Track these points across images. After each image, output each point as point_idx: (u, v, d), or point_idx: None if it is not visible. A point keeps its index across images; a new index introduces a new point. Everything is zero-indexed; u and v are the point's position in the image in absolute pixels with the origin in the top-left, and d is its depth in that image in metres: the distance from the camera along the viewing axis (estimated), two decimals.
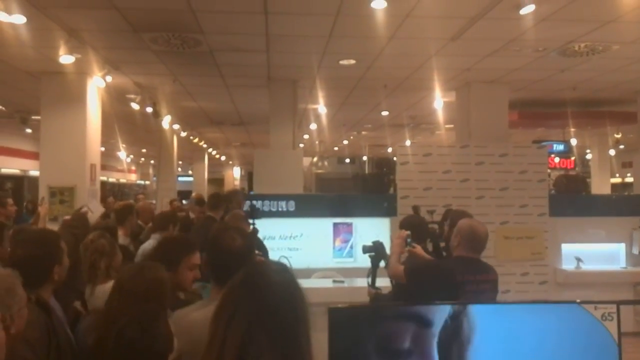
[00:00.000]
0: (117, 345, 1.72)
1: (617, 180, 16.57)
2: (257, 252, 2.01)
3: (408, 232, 3.53)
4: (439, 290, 2.90)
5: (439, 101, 8.13)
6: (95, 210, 4.35)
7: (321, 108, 9.29)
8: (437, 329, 1.78)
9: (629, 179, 15.75)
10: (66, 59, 5.60)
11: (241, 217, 4.84)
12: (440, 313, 1.82)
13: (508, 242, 6.48)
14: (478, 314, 1.90)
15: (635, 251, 6.73)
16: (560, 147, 10.25)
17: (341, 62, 6.56)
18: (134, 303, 2.01)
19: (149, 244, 4.26)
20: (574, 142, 11.35)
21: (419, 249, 3.47)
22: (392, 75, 7.28)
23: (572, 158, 11.24)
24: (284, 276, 1.28)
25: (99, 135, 7.79)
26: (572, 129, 10.92)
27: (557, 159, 10.70)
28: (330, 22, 5.08)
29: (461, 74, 7.07)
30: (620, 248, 6.88)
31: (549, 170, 7.78)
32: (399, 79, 7.45)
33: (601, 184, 13.58)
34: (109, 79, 6.86)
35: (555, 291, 6.51)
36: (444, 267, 3.12)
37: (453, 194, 6.42)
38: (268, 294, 1.22)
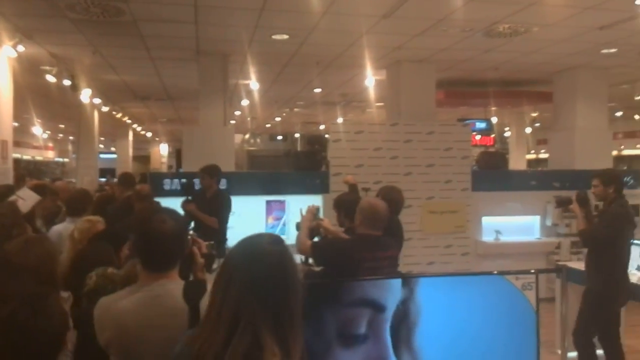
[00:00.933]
0: (9, 329, 1.60)
1: (532, 156, 17.72)
2: (191, 232, 1.92)
3: (317, 206, 3.67)
4: (339, 267, 3.05)
5: (371, 79, 8.22)
6: (27, 198, 3.97)
7: (253, 84, 9.11)
8: (389, 313, 1.86)
9: (543, 155, 16.89)
10: None
11: (144, 195, 4.62)
12: (393, 298, 1.89)
13: (433, 216, 6.76)
14: (421, 288, 1.98)
15: (548, 223, 7.25)
16: (482, 125, 10.74)
17: (274, 36, 6.43)
18: (24, 279, 1.91)
19: (64, 227, 3.95)
20: (494, 120, 11.94)
21: (326, 222, 3.61)
22: (324, 52, 7.26)
23: (492, 135, 11.82)
24: (277, 247, 1.38)
25: (10, 109, 7.17)
26: (493, 108, 11.48)
27: (478, 137, 11.21)
28: None
29: (392, 53, 7.17)
30: (535, 220, 7.38)
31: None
32: (332, 56, 7.44)
33: (518, 160, 14.46)
34: (20, 48, 6.32)
35: (476, 262, 6.90)
36: (344, 245, 3.28)
37: (383, 170, 6.57)
38: (261, 263, 1.33)
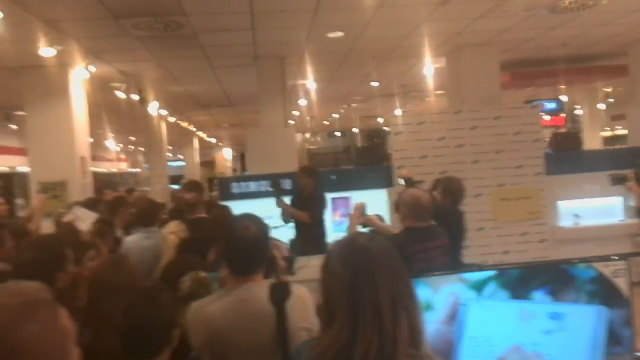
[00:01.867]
0: (129, 316, 1.79)
1: (608, 133, 16.67)
2: (272, 237, 1.98)
3: (364, 203, 3.61)
4: None
5: (430, 68, 8.05)
6: (85, 217, 4.10)
7: (310, 83, 9.17)
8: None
9: (620, 132, 15.84)
10: (47, 51, 5.45)
11: (192, 205, 4.65)
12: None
13: (506, 204, 6.52)
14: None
15: (632, 204, 6.77)
16: (553, 106, 10.22)
17: (329, 35, 6.43)
18: (117, 296, 2.03)
19: (139, 238, 4.04)
20: (564, 99, 11.33)
21: (374, 218, 3.58)
22: (381, 46, 7.17)
23: (562, 115, 11.23)
24: (377, 242, 1.39)
25: (86, 127, 7.66)
26: (562, 87, 10.90)
27: (547, 117, 10.69)
28: None
29: (451, 39, 6.98)
30: (617, 202, 6.93)
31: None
32: (388, 48, 7.34)
33: (593, 139, 13.64)
34: (92, 69, 6.71)
35: (555, 249, 6.58)
36: (395, 240, 3.19)
37: (449, 160, 6.41)
38: (389, 252, 1.36)
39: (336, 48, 7.11)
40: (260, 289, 1.85)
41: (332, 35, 6.42)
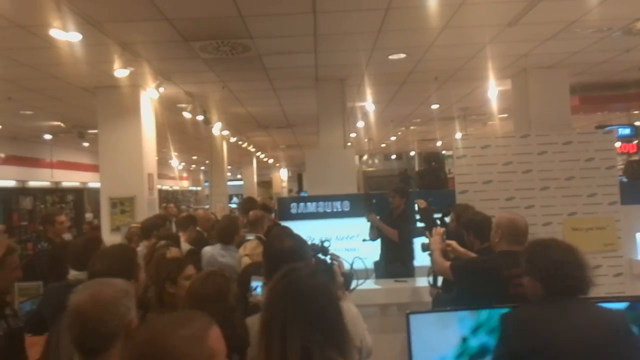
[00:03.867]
0: None
1: None
2: (331, 251, 2.02)
3: (444, 229, 3.58)
4: (487, 286, 2.84)
5: (493, 90, 7.83)
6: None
7: (369, 105, 9.15)
8: None
9: None
10: (121, 72, 5.71)
11: (257, 220, 4.78)
12: None
13: (577, 234, 6.14)
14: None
15: None
16: (626, 131, 9.65)
17: (390, 57, 6.40)
18: (205, 305, 2.07)
19: (218, 254, 4.38)
20: (637, 124, 10.70)
21: (454, 244, 3.49)
22: (443, 67, 7.06)
23: (635, 142, 10.58)
24: (317, 280, 1.42)
25: (154, 146, 7.97)
26: (635, 112, 10.30)
27: (618, 144, 10.10)
28: (380, 17, 4.95)
29: (517, 61, 6.77)
30: None
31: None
32: (451, 70, 7.22)
33: None
34: (161, 89, 6.98)
35: (632, 283, 6.12)
36: (490, 263, 3.08)
37: (515, 186, 6.14)
38: (310, 298, 1.36)
39: (397, 69, 7.07)
40: None
41: (393, 56, 6.39)
